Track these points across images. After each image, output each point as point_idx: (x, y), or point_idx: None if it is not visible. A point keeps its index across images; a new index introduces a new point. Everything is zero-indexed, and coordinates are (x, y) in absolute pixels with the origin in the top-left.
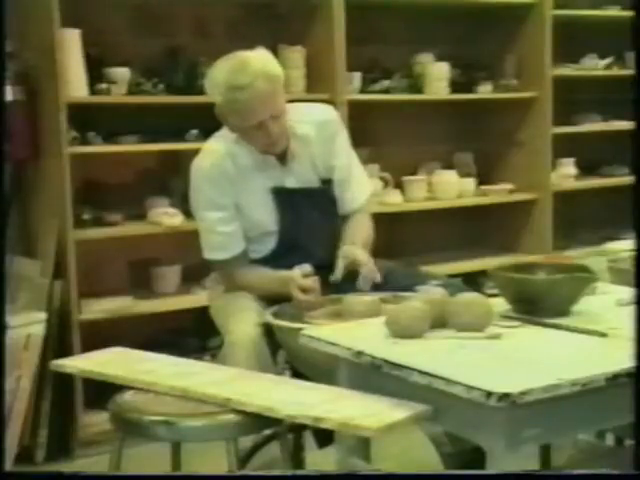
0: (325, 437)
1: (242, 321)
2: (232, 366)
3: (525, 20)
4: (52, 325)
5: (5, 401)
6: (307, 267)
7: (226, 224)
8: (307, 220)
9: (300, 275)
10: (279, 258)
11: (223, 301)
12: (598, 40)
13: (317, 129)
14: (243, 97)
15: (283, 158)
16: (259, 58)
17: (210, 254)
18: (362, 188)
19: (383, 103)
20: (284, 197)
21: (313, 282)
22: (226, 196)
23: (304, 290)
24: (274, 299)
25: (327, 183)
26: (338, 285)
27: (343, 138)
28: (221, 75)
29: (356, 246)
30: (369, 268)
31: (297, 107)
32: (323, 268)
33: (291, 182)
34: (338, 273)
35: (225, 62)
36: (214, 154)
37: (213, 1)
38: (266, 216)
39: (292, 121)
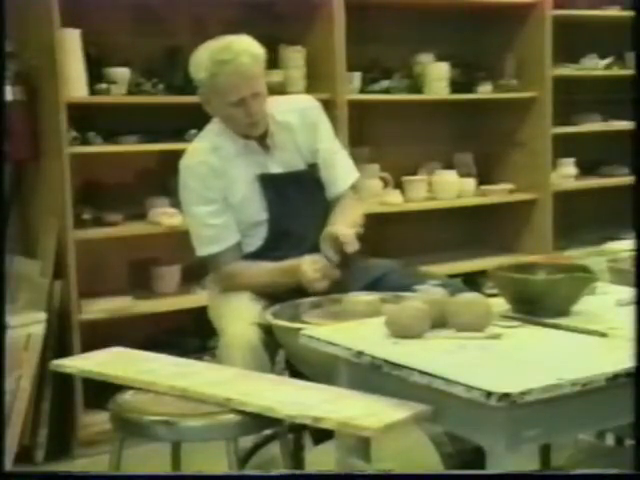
0: (320, 434)
1: (237, 322)
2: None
3: (525, 20)
4: (52, 325)
5: (5, 401)
6: (317, 258)
7: (217, 216)
8: (295, 204)
9: (310, 263)
10: (272, 248)
11: (219, 301)
12: (598, 40)
13: (299, 116)
14: (227, 70)
15: (264, 143)
16: (242, 39)
17: (202, 249)
18: (347, 172)
19: (383, 103)
20: (270, 183)
21: (322, 269)
22: (214, 191)
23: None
24: (271, 297)
25: (313, 167)
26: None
27: (326, 124)
28: (206, 53)
29: (336, 225)
30: (347, 238)
31: (276, 99)
32: (317, 253)
33: (275, 168)
34: (333, 257)
35: (209, 43)
36: (198, 152)
37: (213, 1)
38: (254, 205)
39: (272, 110)
